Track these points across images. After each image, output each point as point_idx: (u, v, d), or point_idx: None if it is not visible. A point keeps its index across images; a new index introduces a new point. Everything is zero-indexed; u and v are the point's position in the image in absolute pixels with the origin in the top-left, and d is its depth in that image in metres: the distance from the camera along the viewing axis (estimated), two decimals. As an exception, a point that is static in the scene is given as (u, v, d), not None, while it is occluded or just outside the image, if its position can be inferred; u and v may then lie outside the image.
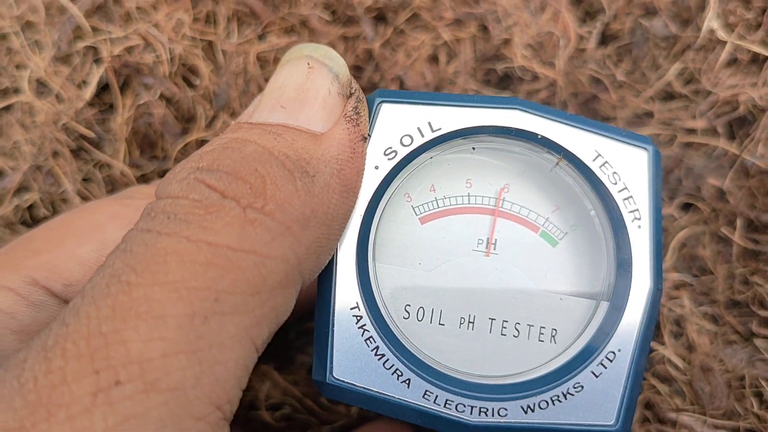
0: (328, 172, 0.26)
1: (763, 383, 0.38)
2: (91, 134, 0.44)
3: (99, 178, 0.44)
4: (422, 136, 0.29)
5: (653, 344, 0.41)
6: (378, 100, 0.29)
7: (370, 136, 0.28)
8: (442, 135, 0.29)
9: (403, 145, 0.29)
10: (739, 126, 0.44)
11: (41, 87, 0.44)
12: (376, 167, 0.28)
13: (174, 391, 0.21)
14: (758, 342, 0.39)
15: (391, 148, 0.28)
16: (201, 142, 0.45)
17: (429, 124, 0.29)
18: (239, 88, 0.45)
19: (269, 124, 0.27)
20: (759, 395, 0.39)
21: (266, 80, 0.46)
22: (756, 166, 0.40)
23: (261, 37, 0.46)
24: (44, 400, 0.20)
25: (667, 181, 0.45)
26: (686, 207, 0.44)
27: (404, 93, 0.29)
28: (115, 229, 0.32)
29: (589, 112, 0.47)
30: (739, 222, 0.41)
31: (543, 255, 0.30)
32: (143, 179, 0.45)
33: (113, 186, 0.44)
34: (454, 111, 0.29)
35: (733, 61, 0.44)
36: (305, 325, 0.46)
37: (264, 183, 0.24)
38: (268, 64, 0.46)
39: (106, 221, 0.32)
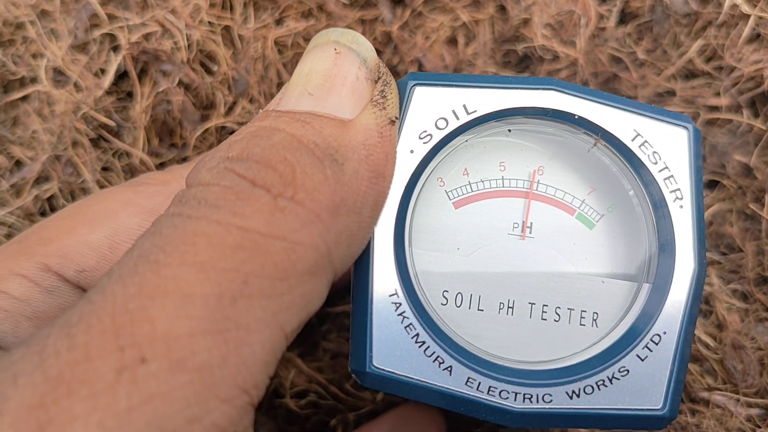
0: (356, 159, 0.25)
1: (797, 361, 0.38)
2: (111, 123, 0.43)
3: (118, 167, 0.44)
4: (457, 118, 0.28)
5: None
6: (411, 83, 0.28)
7: (399, 119, 0.28)
8: (477, 117, 0.28)
9: (438, 129, 0.28)
10: (763, 102, 0.44)
11: (59, 76, 0.44)
12: (411, 151, 0.28)
13: (200, 371, 0.20)
14: (790, 320, 0.39)
15: (426, 131, 0.28)
16: (220, 129, 0.44)
17: (464, 106, 0.28)
18: (258, 73, 0.44)
19: (297, 112, 0.26)
20: (791, 373, 0.38)
21: (284, 65, 0.45)
22: (784, 142, 0.40)
23: (278, 21, 0.45)
24: (66, 376, 0.19)
25: (690, 160, 0.44)
26: (711, 185, 0.44)
27: (438, 75, 0.29)
28: (128, 215, 0.32)
29: (610, 91, 0.47)
30: (767, 198, 0.41)
31: (580, 237, 0.30)
32: (162, 167, 0.44)
33: (132, 174, 0.44)
34: (489, 93, 0.28)
35: (756, 37, 0.43)
36: (327, 310, 0.45)
37: (293, 171, 0.24)
38: (286, 48, 0.45)
39: (119, 208, 0.32)
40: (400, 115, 0.28)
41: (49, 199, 0.44)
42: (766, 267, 0.40)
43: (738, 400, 0.39)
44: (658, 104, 0.46)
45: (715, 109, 0.44)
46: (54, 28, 0.44)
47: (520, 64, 0.47)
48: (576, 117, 0.28)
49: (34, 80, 0.44)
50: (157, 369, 0.20)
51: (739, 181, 0.42)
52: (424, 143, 0.28)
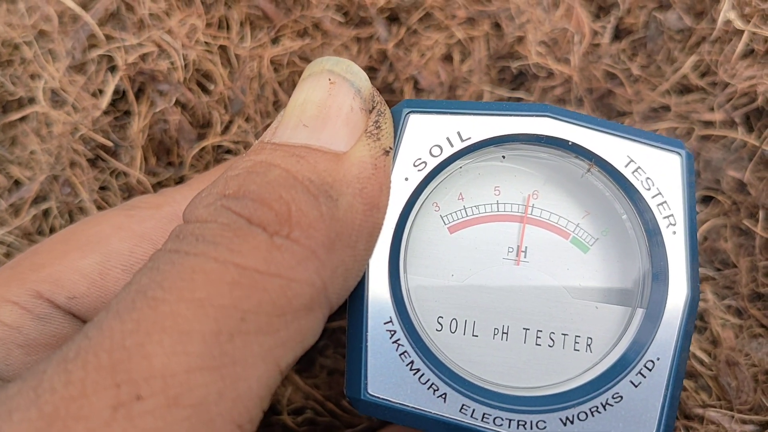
0: (350, 193, 0.26)
1: (791, 378, 0.38)
2: (108, 143, 0.43)
3: (115, 187, 0.44)
4: (452, 146, 0.28)
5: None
6: (406, 110, 0.28)
7: (393, 148, 0.28)
8: (472, 144, 0.28)
9: (433, 156, 0.28)
10: (757, 117, 0.44)
11: (56, 96, 0.44)
12: (406, 179, 0.28)
13: (196, 407, 0.21)
14: (784, 336, 0.39)
15: (420, 159, 0.28)
16: (216, 148, 0.45)
17: (458, 133, 0.28)
18: (254, 92, 0.45)
19: (292, 146, 0.26)
20: (786, 390, 0.39)
21: (280, 84, 0.45)
22: (777, 159, 0.40)
23: (274, 40, 0.45)
24: (62, 412, 0.20)
25: (685, 175, 0.45)
26: (706, 200, 0.44)
27: (432, 102, 0.29)
28: (120, 240, 0.32)
29: (605, 107, 0.47)
30: (761, 213, 0.41)
31: (575, 261, 0.30)
32: (159, 186, 0.44)
33: (130, 194, 0.44)
34: (483, 120, 0.28)
35: (749, 52, 0.43)
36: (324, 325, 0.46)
37: (289, 209, 0.24)
38: (282, 67, 0.45)
39: (111, 233, 0.32)
40: (394, 143, 0.28)
41: (47, 217, 0.44)
42: (760, 283, 0.40)
43: (732, 417, 0.39)
44: (653, 119, 0.46)
45: (709, 124, 0.44)
46: (52, 48, 0.44)
47: (515, 80, 0.47)
48: (570, 143, 0.29)
49: (32, 101, 0.44)
50: (154, 405, 0.20)
51: (734, 197, 0.43)
52: (419, 171, 0.28)
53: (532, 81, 0.46)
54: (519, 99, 0.46)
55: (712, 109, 0.44)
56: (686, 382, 0.41)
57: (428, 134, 0.28)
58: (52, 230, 0.44)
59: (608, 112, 0.47)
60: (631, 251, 0.30)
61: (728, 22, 0.44)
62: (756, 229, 0.41)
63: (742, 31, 0.43)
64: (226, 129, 0.45)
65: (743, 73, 0.43)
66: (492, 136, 0.28)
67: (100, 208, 0.44)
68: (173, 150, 0.45)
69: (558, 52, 0.45)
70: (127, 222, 0.33)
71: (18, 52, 0.45)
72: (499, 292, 0.30)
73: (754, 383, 0.39)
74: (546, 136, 0.28)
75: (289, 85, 0.46)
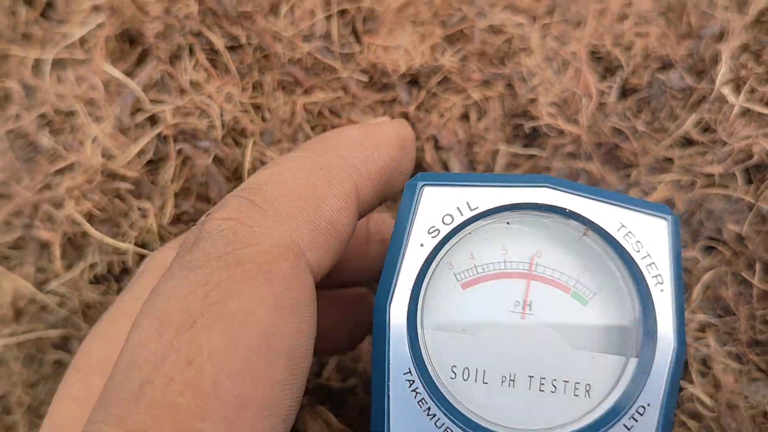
0: None
1: (786, 420, 0.41)
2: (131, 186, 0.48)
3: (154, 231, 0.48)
4: (461, 214, 0.32)
5: (683, 383, 0.44)
6: (420, 183, 0.32)
7: (415, 218, 0.32)
8: (479, 213, 0.32)
9: (445, 224, 0.32)
10: (757, 171, 0.47)
11: (103, 152, 0.48)
12: (422, 245, 0.32)
13: None
14: (780, 380, 0.42)
15: (434, 226, 0.32)
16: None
17: (467, 203, 0.32)
18: (285, 131, 0.49)
19: None
20: (783, 430, 0.41)
21: (313, 128, 0.49)
22: (772, 213, 0.43)
23: (306, 93, 0.49)
24: None
25: (689, 224, 0.48)
26: (708, 250, 0.47)
27: (444, 175, 0.33)
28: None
29: (613, 160, 0.50)
30: (758, 266, 0.44)
31: (574, 313, 0.33)
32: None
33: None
34: (489, 191, 0.32)
35: (746, 112, 0.47)
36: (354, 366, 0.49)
37: None
38: (313, 116, 0.49)
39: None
40: (411, 214, 0.32)
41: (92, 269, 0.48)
42: (758, 330, 0.43)
43: (733, 456, 0.42)
44: (658, 171, 0.49)
45: (710, 177, 0.47)
46: (99, 114, 0.49)
47: (529, 136, 0.50)
48: (567, 211, 0.32)
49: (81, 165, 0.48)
50: None
51: (734, 247, 0.46)
52: (433, 237, 0.32)
53: (544, 138, 0.50)
54: (532, 156, 0.49)
55: (712, 163, 0.47)
56: (691, 423, 0.43)
57: (441, 204, 0.32)
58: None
59: (617, 165, 0.50)
60: (625, 305, 0.33)
61: (725, 83, 0.47)
62: (753, 280, 0.44)
63: (738, 96, 0.46)
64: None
65: (740, 132, 0.46)
66: (497, 205, 0.32)
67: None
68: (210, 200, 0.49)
69: (568, 112, 0.49)
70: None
71: (69, 119, 0.50)
72: (507, 343, 0.33)
73: (752, 424, 0.42)
74: (545, 204, 0.32)
75: (321, 131, 0.50)
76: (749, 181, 0.47)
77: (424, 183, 0.32)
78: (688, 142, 0.49)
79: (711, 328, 0.44)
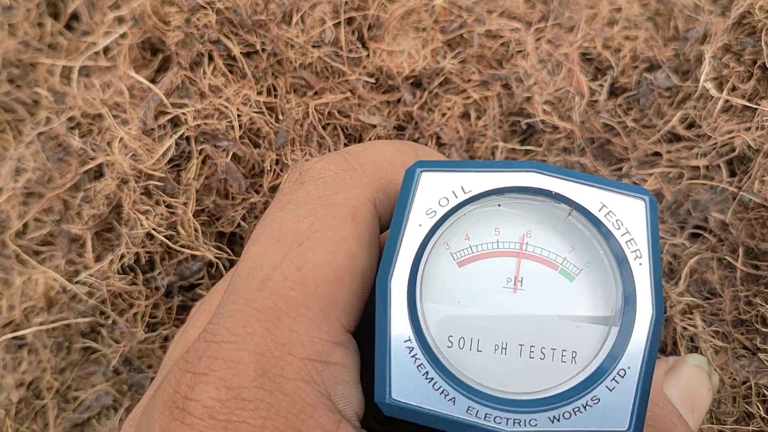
0: None
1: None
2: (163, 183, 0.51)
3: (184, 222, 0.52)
4: (456, 197, 0.35)
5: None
6: (419, 170, 0.35)
7: (414, 201, 0.35)
8: (472, 196, 0.35)
9: (441, 206, 0.35)
10: (740, 162, 0.50)
11: (128, 153, 0.52)
12: (420, 225, 0.35)
13: None
14: (762, 356, 0.44)
15: (431, 208, 0.35)
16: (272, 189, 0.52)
17: (461, 187, 0.35)
18: (298, 132, 0.52)
19: None
20: (765, 402, 0.44)
21: (324, 128, 0.53)
22: (753, 201, 0.46)
23: (316, 95, 0.53)
24: None
25: (677, 214, 0.51)
26: (695, 237, 0.50)
27: (440, 163, 0.36)
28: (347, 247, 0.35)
29: (605, 154, 0.53)
30: (741, 250, 0.47)
31: (562, 289, 0.36)
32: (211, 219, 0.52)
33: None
34: (481, 175, 0.35)
35: (728, 108, 0.50)
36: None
37: None
38: (324, 117, 0.53)
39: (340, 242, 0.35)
40: (410, 197, 0.35)
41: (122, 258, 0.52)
42: (742, 310, 0.46)
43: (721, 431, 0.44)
44: (648, 165, 0.52)
45: (696, 169, 0.50)
46: (125, 117, 0.53)
47: (525, 133, 0.54)
48: (553, 193, 0.35)
49: (111, 165, 0.52)
50: None
51: (719, 234, 0.48)
52: (430, 218, 0.35)
53: (540, 134, 0.53)
54: (529, 151, 0.53)
55: (698, 157, 0.50)
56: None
57: (437, 188, 0.35)
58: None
59: (608, 159, 0.53)
60: (608, 280, 0.36)
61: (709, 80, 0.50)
62: (737, 264, 0.47)
63: (721, 92, 0.49)
64: (275, 169, 0.52)
65: (723, 127, 0.49)
66: (488, 189, 0.35)
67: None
68: (228, 196, 0.52)
69: (561, 110, 0.52)
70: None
71: (96, 122, 0.53)
72: (500, 315, 0.36)
73: (733, 400, 0.44)
74: (533, 187, 0.35)
75: (332, 131, 0.54)
76: (732, 173, 0.50)
77: (422, 169, 0.35)
78: (675, 137, 0.52)
79: (698, 309, 0.47)
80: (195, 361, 0.30)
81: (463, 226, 0.37)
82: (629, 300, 0.35)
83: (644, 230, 0.35)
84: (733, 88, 0.49)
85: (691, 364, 0.43)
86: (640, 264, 0.34)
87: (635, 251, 0.35)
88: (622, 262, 0.35)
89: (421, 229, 0.35)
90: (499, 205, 0.37)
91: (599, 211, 0.35)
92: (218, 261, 0.52)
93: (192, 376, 0.29)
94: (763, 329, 0.44)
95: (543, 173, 0.35)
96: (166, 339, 0.53)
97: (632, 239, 0.35)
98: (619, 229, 0.35)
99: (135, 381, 0.54)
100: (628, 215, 0.35)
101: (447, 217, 0.35)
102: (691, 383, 0.42)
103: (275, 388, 0.29)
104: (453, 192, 0.35)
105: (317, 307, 0.31)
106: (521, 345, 0.35)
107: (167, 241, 0.50)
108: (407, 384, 0.34)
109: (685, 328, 0.47)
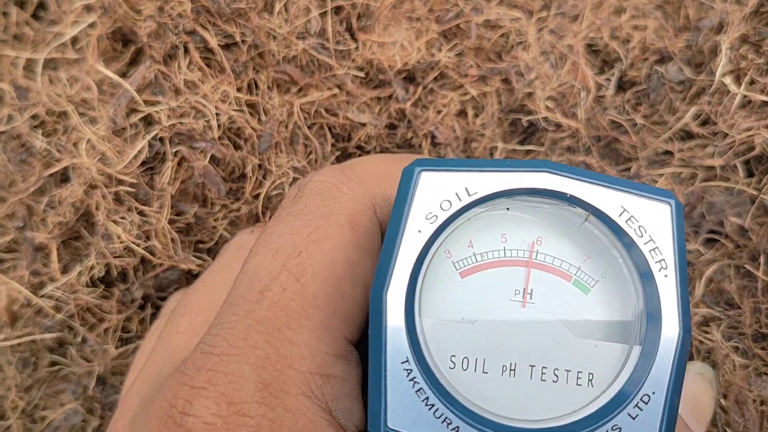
0: None
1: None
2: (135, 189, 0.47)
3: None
4: (460, 200, 0.31)
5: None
6: (418, 169, 0.32)
7: (412, 204, 0.31)
8: (478, 199, 0.31)
9: (443, 210, 0.31)
10: (759, 162, 0.46)
11: (97, 156, 0.48)
12: (419, 231, 0.31)
13: None
14: (787, 373, 0.41)
15: (431, 212, 0.31)
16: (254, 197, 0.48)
17: (466, 189, 0.31)
18: (282, 134, 0.48)
19: None
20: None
21: (310, 128, 0.49)
22: (775, 203, 0.43)
23: (300, 92, 0.49)
24: None
25: (690, 217, 0.47)
26: (710, 242, 0.46)
27: (442, 161, 0.32)
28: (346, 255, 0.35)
29: (612, 153, 0.50)
30: (762, 258, 0.43)
31: (576, 302, 0.33)
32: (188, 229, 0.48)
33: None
34: (488, 176, 0.31)
35: (747, 103, 0.46)
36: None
37: None
38: (309, 116, 0.49)
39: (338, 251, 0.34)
40: (408, 200, 0.31)
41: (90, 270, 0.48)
42: (763, 324, 0.42)
43: (741, 451, 0.41)
44: (659, 164, 0.48)
45: (711, 169, 0.47)
46: (93, 115, 0.48)
47: (526, 131, 0.50)
48: (568, 195, 0.31)
49: (77, 168, 0.48)
50: None
51: (737, 240, 0.45)
52: (431, 223, 0.31)
53: (542, 133, 0.49)
54: (530, 151, 0.49)
55: (713, 156, 0.47)
56: (696, 418, 0.43)
57: (439, 190, 0.31)
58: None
59: (616, 158, 0.50)
60: (628, 292, 0.32)
61: (725, 74, 0.46)
62: (758, 273, 0.43)
63: (739, 86, 0.46)
64: (258, 175, 0.48)
65: (741, 124, 0.45)
66: (496, 190, 0.31)
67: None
68: (207, 202, 0.48)
69: (565, 106, 0.48)
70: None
71: (61, 120, 0.49)
72: (507, 331, 0.32)
73: (761, 420, 0.41)
74: (546, 189, 0.31)
75: (318, 131, 0.50)
76: (750, 173, 0.46)
77: (422, 168, 0.32)
78: (687, 134, 0.48)
79: (715, 322, 0.44)
80: (193, 374, 0.29)
81: (466, 232, 0.34)
82: (653, 316, 0.31)
83: (670, 238, 0.31)
84: (752, 82, 0.46)
85: (693, 372, 0.42)
86: (666, 276, 0.31)
87: (660, 261, 0.31)
88: (645, 273, 0.31)
89: (420, 235, 0.31)
90: (508, 209, 0.33)
91: (620, 216, 0.31)
92: (200, 270, 0.48)
93: (190, 390, 0.29)
94: (789, 344, 0.41)
95: (557, 173, 0.31)
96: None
97: (657, 248, 0.31)
98: (642, 236, 0.31)
99: (109, 400, 0.50)
100: (652, 221, 0.31)
101: (449, 222, 0.32)
102: (695, 392, 0.41)
103: (277, 404, 0.29)
104: (456, 194, 0.31)
105: (317, 317, 0.31)
106: (532, 366, 0.32)
107: (148, 254, 0.46)
108: (405, 411, 0.30)
109: (701, 342, 0.43)
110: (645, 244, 0.31)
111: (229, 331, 0.30)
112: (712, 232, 0.46)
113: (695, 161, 0.47)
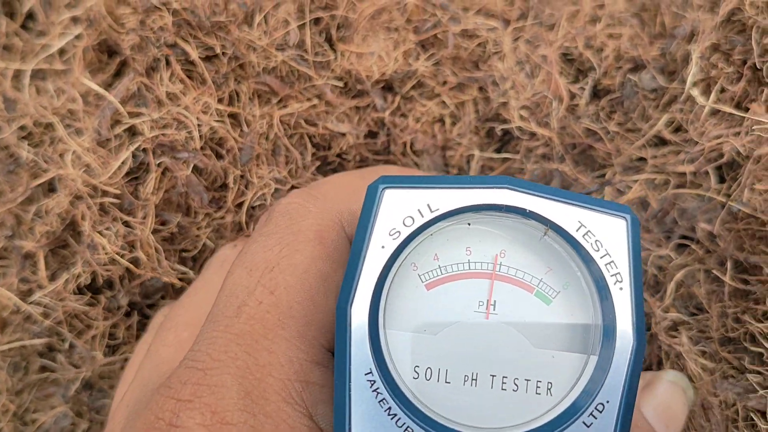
0: None
1: (756, 416, 0.41)
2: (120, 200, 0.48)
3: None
4: (422, 216, 0.32)
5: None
6: (381, 186, 0.33)
7: (376, 221, 0.32)
8: (440, 215, 0.32)
9: (406, 226, 0.32)
10: (729, 169, 0.47)
11: (83, 167, 0.49)
12: (383, 247, 0.32)
13: None
14: (750, 377, 0.42)
15: (395, 228, 0.32)
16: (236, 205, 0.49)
17: (428, 205, 0.32)
18: (263, 146, 0.49)
19: None
20: (753, 426, 0.41)
21: (290, 138, 0.50)
22: (742, 211, 0.43)
23: (281, 103, 0.50)
24: None
25: (663, 222, 0.48)
26: (682, 247, 0.47)
27: (405, 178, 0.33)
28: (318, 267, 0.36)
29: (587, 160, 0.51)
30: (729, 263, 0.44)
31: (538, 313, 0.34)
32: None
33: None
34: (450, 192, 0.32)
35: (717, 111, 0.47)
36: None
37: None
38: (290, 128, 0.50)
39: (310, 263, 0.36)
40: (372, 216, 0.32)
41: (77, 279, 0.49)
42: (730, 328, 0.43)
43: (706, 453, 0.42)
44: (633, 170, 0.49)
45: (683, 175, 0.48)
46: (79, 127, 0.49)
47: (502, 139, 0.51)
48: (527, 211, 0.32)
49: (63, 179, 0.49)
50: None
51: (706, 245, 0.46)
52: (394, 239, 0.32)
53: (517, 141, 0.50)
54: (506, 159, 0.50)
55: (684, 162, 0.47)
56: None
57: (401, 207, 0.32)
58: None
59: (591, 165, 0.50)
60: (587, 304, 0.33)
61: (695, 83, 0.47)
62: (725, 278, 0.44)
63: (709, 95, 0.46)
64: (239, 186, 0.49)
65: (711, 132, 0.46)
66: (457, 207, 0.32)
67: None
68: (190, 211, 0.49)
69: (539, 115, 0.49)
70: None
71: (48, 131, 0.50)
72: (470, 342, 0.33)
73: (725, 424, 0.42)
74: (505, 205, 0.32)
75: (299, 142, 0.51)
76: (722, 179, 0.47)
77: (386, 186, 0.33)
78: (661, 141, 0.49)
79: (684, 326, 0.45)
80: (179, 387, 0.31)
81: (431, 245, 0.35)
82: (608, 328, 0.32)
83: (625, 252, 0.32)
84: (722, 90, 0.47)
85: (666, 380, 0.43)
86: (621, 289, 0.32)
87: (615, 275, 0.32)
88: (601, 286, 0.32)
89: (384, 251, 0.32)
90: (469, 224, 0.34)
91: (577, 231, 0.32)
92: (182, 284, 0.49)
93: (176, 403, 0.30)
94: (753, 348, 0.41)
95: (516, 189, 0.32)
96: (128, 360, 0.50)
97: (612, 262, 0.32)
98: (598, 250, 0.32)
99: (97, 405, 0.51)
100: (608, 236, 0.32)
101: (413, 238, 0.33)
102: (666, 400, 0.42)
103: (258, 410, 0.31)
104: (419, 210, 0.32)
105: (293, 327, 0.33)
106: (493, 376, 0.33)
107: (131, 265, 0.47)
108: (368, 422, 0.31)
109: (670, 346, 0.44)
110: (601, 257, 0.32)
111: (211, 346, 0.32)
112: (684, 237, 0.47)
113: (668, 167, 0.48)
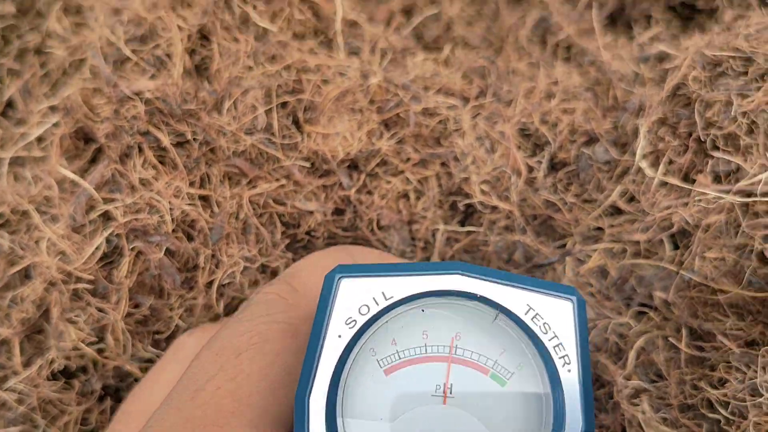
0: None
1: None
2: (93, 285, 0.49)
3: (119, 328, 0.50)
4: (377, 304, 0.34)
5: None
6: (337, 276, 0.34)
7: (332, 311, 0.34)
8: (394, 302, 0.34)
9: (361, 314, 0.34)
10: (683, 236, 0.49)
11: (57, 254, 0.50)
12: (339, 336, 0.33)
13: None
14: (711, 443, 0.43)
15: (351, 317, 0.34)
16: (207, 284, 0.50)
17: (383, 293, 0.34)
18: (233, 225, 0.51)
19: None
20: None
21: (260, 217, 0.51)
22: (693, 279, 0.45)
23: (250, 184, 0.52)
24: None
25: (622, 290, 0.49)
26: (641, 315, 0.49)
27: (361, 267, 0.35)
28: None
29: (548, 230, 0.52)
30: (684, 331, 0.45)
31: (493, 395, 0.35)
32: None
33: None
34: (404, 280, 0.34)
35: (666, 183, 0.49)
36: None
37: None
38: (259, 207, 0.51)
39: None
40: (329, 307, 0.34)
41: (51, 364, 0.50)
42: (688, 394, 0.44)
43: None
44: (592, 240, 0.51)
45: (638, 243, 0.49)
46: (54, 213, 0.51)
47: (466, 212, 0.53)
48: (478, 296, 0.34)
49: (37, 266, 0.50)
50: None
51: (663, 312, 0.47)
52: (350, 328, 0.33)
53: (480, 214, 0.52)
54: (470, 232, 0.52)
55: (639, 231, 0.49)
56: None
57: (357, 295, 0.34)
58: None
59: (552, 235, 0.52)
60: (539, 386, 0.35)
61: (645, 156, 0.49)
62: (681, 345, 0.45)
63: (657, 168, 0.49)
64: (212, 261, 0.51)
65: (661, 203, 0.48)
66: (411, 294, 0.34)
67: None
68: (163, 293, 0.51)
69: (500, 189, 0.51)
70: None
71: (24, 218, 0.52)
72: (427, 428, 0.34)
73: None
74: (456, 291, 0.34)
75: (268, 218, 0.52)
76: (676, 246, 0.49)
77: (341, 275, 0.34)
78: (616, 211, 0.51)
79: (645, 394, 0.46)
80: None
81: (389, 331, 0.36)
82: (558, 412, 0.33)
83: (572, 333, 0.34)
84: (670, 162, 0.49)
85: None
86: (569, 371, 0.33)
87: (563, 357, 0.33)
88: (550, 368, 0.34)
89: (340, 340, 0.33)
90: (423, 310, 0.36)
91: (526, 314, 0.34)
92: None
93: None
94: (710, 415, 0.43)
95: (467, 275, 0.34)
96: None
97: (560, 344, 0.34)
98: (546, 333, 0.34)
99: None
100: (555, 318, 0.34)
101: (369, 326, 0.34)
102: None
103: None
104: (374, 299, 0.34)
105: (247, 416, 0.33)
106: (450, 460, 0.34)
107: (96, 354, 0.48)
108: None
109: (633, 415, 0.45)
110: (549, 340, 0.34)
111: (158, 428, 0.32)
112: (642, 305, 0.49)
113: (624, 236, 0.50)
